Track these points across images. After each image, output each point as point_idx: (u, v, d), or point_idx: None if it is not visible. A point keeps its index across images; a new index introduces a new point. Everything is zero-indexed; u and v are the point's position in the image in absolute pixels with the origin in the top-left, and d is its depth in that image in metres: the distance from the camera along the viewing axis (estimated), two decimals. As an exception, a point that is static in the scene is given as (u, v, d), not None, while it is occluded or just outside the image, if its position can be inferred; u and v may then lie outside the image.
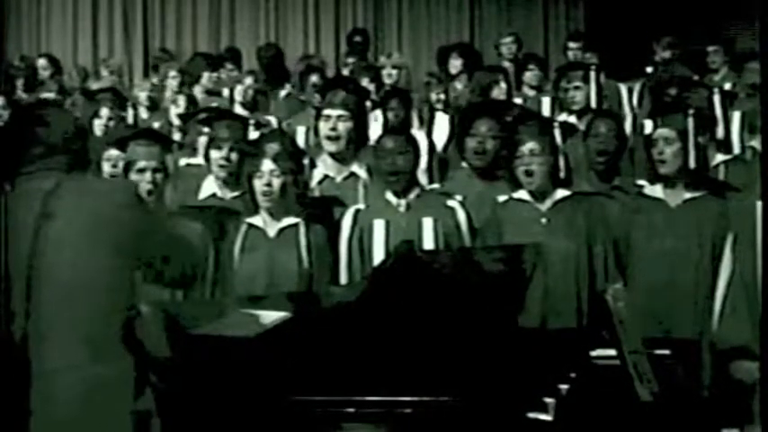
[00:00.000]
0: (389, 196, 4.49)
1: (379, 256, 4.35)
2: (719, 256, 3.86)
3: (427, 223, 4.43)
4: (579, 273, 4.32)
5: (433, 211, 4.46)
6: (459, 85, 7.62)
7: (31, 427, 2.32)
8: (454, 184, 4.85)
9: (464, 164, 4.96)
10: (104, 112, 6.15)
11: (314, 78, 7.04)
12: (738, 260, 3.62)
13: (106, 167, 4.82)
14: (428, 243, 4.41)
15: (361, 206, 4.54)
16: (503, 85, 6.57)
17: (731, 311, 3.61)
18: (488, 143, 4.79)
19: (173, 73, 7.66)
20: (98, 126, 6.14)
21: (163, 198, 4.30)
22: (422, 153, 4.81)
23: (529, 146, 4.38)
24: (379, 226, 4.44)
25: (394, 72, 7.53)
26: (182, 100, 6.06)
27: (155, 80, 7.95)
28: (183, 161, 5.57)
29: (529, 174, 4.37)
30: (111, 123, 6.13)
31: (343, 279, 4.38)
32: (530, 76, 7.50)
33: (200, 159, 5.15)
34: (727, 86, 6.99)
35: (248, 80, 7.02)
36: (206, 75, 7.67)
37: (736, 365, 3.60)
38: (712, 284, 3.93)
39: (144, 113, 7.37)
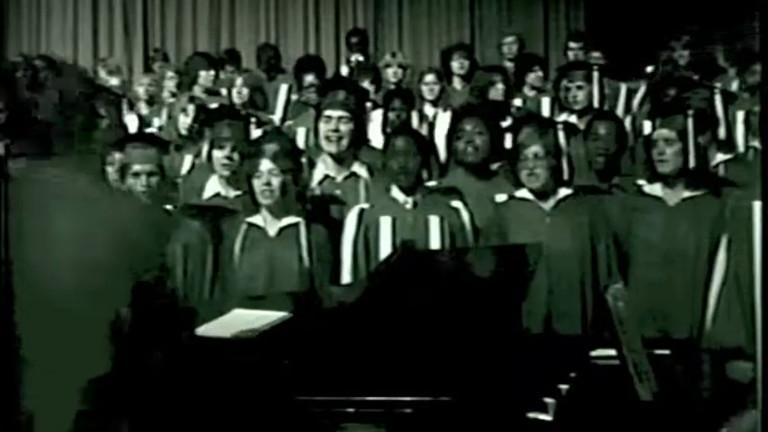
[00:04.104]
0: (396, 194, 4.50)
1: (385, 253, 4.35)
2: (716, 255, 3.88)
3: (434, 221, 4.44)
4: (584, 272, 4.32)
5: (438, 209, 4.47)
6: (457, 86, 7.64)
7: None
8: (452, 182, 4.85)
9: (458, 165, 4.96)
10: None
11: (309, 78, 7.04)
12: (733, 261, 3.63)
13: (110, 170, 4.80)
14: (435, 241, 4.41)
15: (366, 205, 4.54)
16: (499, 85, 6.57)
17: (725, 312, 3.62)
18: (477, 140, 4.79)
19: (170, 74, 7.67)
20: None
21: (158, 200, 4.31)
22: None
23: (533, 149, 4.38)
24: (385, 223, 4.44)
25: (399, 71, 7.54)
26: (191, 109, 6.05)
27: (154, 78, 7.96)
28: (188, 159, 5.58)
29: (533, 176, 4.37)
30: (104, 123, 6.09)
31: (347, 278, 4.38)
32: (533, 77, 7.50)
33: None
34: (734, 86, 7.01)
35: (239, 80, 7.03)
36: (203, 74, 7.66)
37: (730, 365, 3.61)
38: (707, 284, 3.95)
39: (144, 109, 7.38)
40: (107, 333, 2.28)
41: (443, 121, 6.30)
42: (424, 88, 7.03)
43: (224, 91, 7.36)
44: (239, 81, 7.01)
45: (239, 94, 6.90)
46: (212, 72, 7.76)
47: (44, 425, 2.25)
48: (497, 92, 6.52)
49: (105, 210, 2.31)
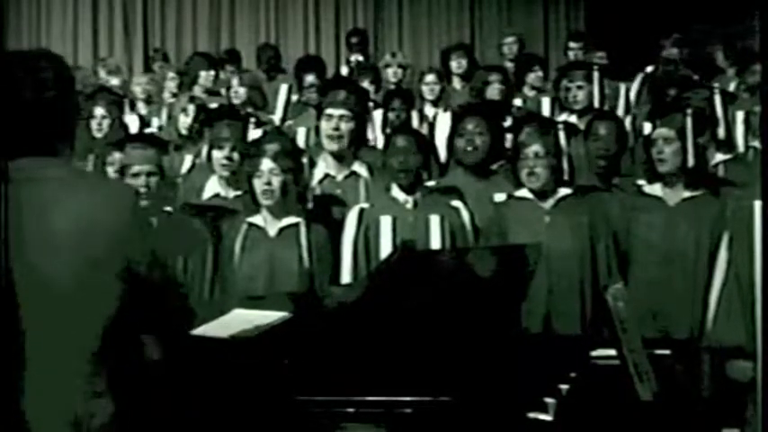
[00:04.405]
0: (397, 193, 4.50)
1: (385, 252, 4.35)
2: (717, 254, 3.88)
3: (434, 221, 4.44)
4: (583, 271, 4.32)
5: (439, 209, 4.48)
6: (457, 86, 7.64)
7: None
8: (452, 182, 4.85)
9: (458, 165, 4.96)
10: (98, 111, 6.12)
11: (310, 78, 7.04)
12: (734, 260, 3.63)
13: (110, 171, 4.81)
14: (435, 241, 4.41)
15: (365, 205, 4.54)
16: (496, 85, 6.57)
17: (726, 311, 3.61)
18: (477, 140, 4.80)
19: (171, 74, 7.67)
20: (93, 125, 6.11)
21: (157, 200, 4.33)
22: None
23: (533, 148, 4.38)
24: (386, 222, 4.44)
25: (399, 71, 7.54)
26: (191, 109, 6.04)
27: (151, 77, 7.97)
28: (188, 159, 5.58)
29: (533, 175, 4.37)
30: (106, 122, 6.11)
31: (347, 278, 4.38)
32: (533, 77, 7.50)
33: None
34: (732, 86, 7.01)
35: (234, 81, 7.02)
36: (203, 74, 7.64)
37: (731, 365, 3.61)
38: (707, 284, 3.95)
39: (143, 109, 7.38)
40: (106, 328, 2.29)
41: (444, 121, 6.31)
42: (425, 88, 7.03)
43: (223, 91, 7.36)
44: (235, 81, 7.01)
45: (236, 94, 6.89)
46: (212, 72, 7.76)
47: (45, 424, 2.25)
48: (494, 91, 6.53)
49: (103, 207, 2.31)
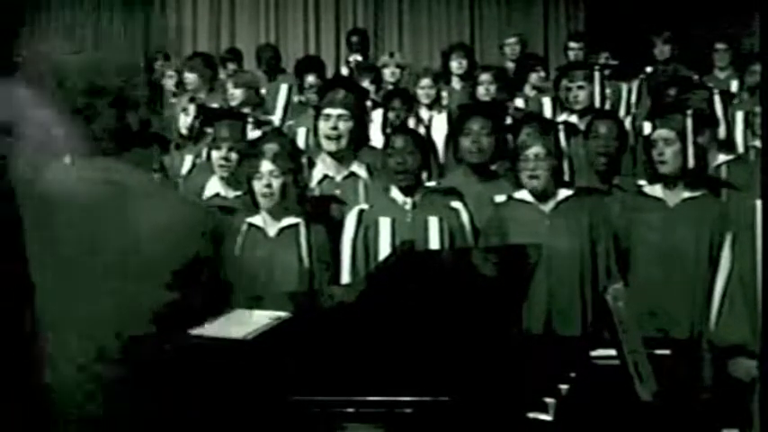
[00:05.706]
0: (395, 194, 4.49)
1: (384, 253, 4.35)
2: (718, 254, 3.88)
3: (433, 222, 4.44)
4: (583, 273, 4.31)
5: (438, 210, 4.47)
6: (456, 86, 7.63)
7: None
8: (452, 182, 4.85)
9: (461, 164, 4.95)
10: None
11: (311, 78, 7.03)
12: (737, 259, 3.64)
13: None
14: (434, 241, 4.41)
15: (365, 206, 4.54)
16: (485, 84, 6.57)
17: (729, 310, 3.63)
18: (483, 141, 4.79)
19: (169, 73, 7.64)
20: None
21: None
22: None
23: (534, 150, 4.37)
24: (384, 224, 4.44)
25: (397, 71, 7.52)
26: (192, 109, 6.03)
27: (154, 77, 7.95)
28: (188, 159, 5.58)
29: (534, 178, 4.36)
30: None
31: (347, 279, 4.38)
32: (535, 77, 7.50)
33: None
34: (734, 84, 7.01)
35: (230, 83, 6.97)
36: (189, 76, 7.52)
37: (733, 363, 3.62)
38: (710, 283, 3.96)
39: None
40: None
41: (440, 122, 6.31)
42: (420, 92, 6.99)
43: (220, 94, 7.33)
44: (230, 84, 6.97)
45: (232, 96, 6.87)
46: (194, 75, 7.57)
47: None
48: (483, 90, 6.53)
49: (178, 225, 2.36)
